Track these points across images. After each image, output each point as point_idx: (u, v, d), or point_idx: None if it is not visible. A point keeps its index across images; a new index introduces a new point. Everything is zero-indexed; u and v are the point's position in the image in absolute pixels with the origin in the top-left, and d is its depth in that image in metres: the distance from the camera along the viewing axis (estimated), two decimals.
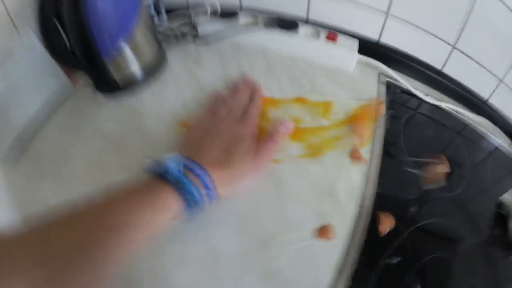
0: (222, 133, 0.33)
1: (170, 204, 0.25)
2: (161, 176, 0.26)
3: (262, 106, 0.38)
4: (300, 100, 0.38)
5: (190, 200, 0.26)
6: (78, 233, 0.22)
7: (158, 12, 0.54)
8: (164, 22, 0.56)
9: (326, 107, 0.37)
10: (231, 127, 0.33)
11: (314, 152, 0.34)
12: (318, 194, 0.32)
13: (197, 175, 0.27)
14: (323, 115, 0.37)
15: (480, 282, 0.31)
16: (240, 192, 0.31)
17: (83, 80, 0.53)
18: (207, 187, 0.27)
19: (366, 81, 0.42)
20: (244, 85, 0.40)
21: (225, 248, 0.29)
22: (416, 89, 0.42)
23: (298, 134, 0.35)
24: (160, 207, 0.25)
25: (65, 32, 0.39)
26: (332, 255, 0.28)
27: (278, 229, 0.29)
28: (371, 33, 0.45)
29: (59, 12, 0.38)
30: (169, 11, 0.56)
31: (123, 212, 0.24)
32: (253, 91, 0.39)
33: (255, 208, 0.31)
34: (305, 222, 0.30)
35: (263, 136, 0.34)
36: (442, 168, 0.36)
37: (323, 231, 0.29)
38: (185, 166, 0.27)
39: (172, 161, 0.27)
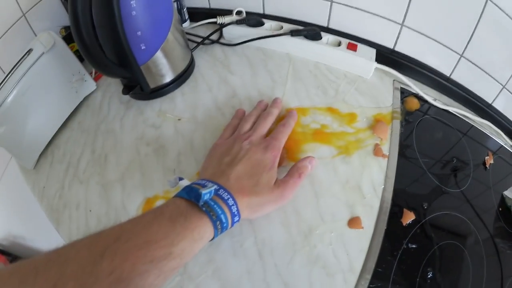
0: (249, 158, 0.34)
1: (205, 232, 0.27)
2: (194, 202, 0.28)
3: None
4: (330, 110, 0.44)
5: (220, 227, 0.28)
6: (121, 265, 0.22)
7: (180, 12, 0.58)
8: (186, 23, 0.60)
9: (351, 117, 0.43)
10: (257, 152, 0.35)
11: (345, 151, 0.40)
12: (346, 190, 0.38)
13: (227, 204, 0.29)
14: (348, 123, 0.43)
15: (486, 267, 0.37)
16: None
17: (110, 82, 0.56)
18: (234, 214, 0.29)
19: (383, 88, 0.47)
20: (274, 107, 0.42)
21: (271, 240, 0.34)
22: (427, 94, 0.48)
23: (326, 137, 0.41)
24: (197, 237, 0.27)
25: (99, 38, 0.41)
26: (362, 242, 0.34)
27: (315, 221, 0.35)
28: (387, 42, 0.50)
29: (93, 17, 0.39)
30: (190, 12, 0.60)
31: (166, 245, 0.25)
32: (287, 116, 0.41)
33: (294, 204, 0.36)
34: (337, 214, 0.36)
35: (292, 148, 0.39)
36: None
37: (354, 222, 0.35)
38: (215, 193, 0.29)
39: (207, 191, 0.28)
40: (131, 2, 0.39)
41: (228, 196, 0.30)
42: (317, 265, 0.33)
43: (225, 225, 0.29)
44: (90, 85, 0.53)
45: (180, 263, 0.26)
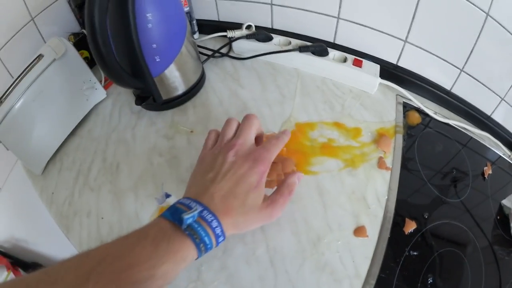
0: (234, 173, 0.33)
1: (188, 255, 0.28)
2: (178, 225, 0.28)
3: (302, 130, 0.46)
4: (337, 124, 0.47)
5: (203, 249, 0.29)
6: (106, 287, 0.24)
7: (190, 24, 0.61)
8: (196, 35, 0.63)
9: (356, 131, 0.47)
10: (243, 166, 0.33)
11: (351, 164, 0.43)
12: (352, 200, 0.41)
13: (211, 226, 0.29)
14: (353, 138, 0.46)
15: (484, 273, 0.39)
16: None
17: (120, 91, 0.57)
18: (218, 235, 0.30)
19: (386, 103, 0.51)
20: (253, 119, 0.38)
21: (282, 248, 0.37)
22: (428, 108, 0.51)
23: (333, 151, 0.44)
24: (180, 259, 0.27)
25: (113, 48, 0.41)
26: (367, 249, 0.37)
27: (324, 230, 0.38)
28: (390, 58, 0.53)
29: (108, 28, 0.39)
30: (199, 24, 0.62)
31: (149, 268, 0.26)
32: (281, 132, 0.39)
33: (304, 214, 0.40)
34: (344, 224, 0.39)
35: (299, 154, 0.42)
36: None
37: (359, 231, 0.38)
38: (199, 215, 0.29)
39: (189, 216, 0.28)
40: (147, 15, 0.41)
41: (212, 217, 0.30)
42: (325, 271, 0.36)
43: (209, 246, 0.29)
44: (100, 93, 0.55)
45: (164, 284, 0.27)
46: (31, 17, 0.56)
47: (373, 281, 0.36)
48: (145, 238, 0.28)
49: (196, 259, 0.30)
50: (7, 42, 0.53)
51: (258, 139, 0.40)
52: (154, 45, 0.44)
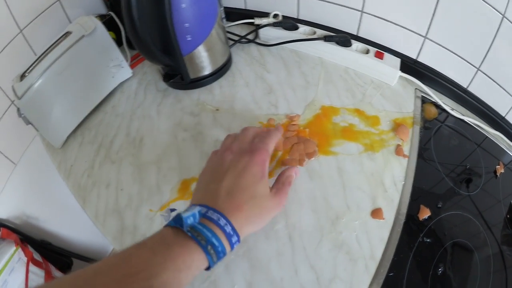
0: (235, 167, 0.30)
1: (193, 260, 0.24)
2: (180, 229, 0.25)
3: (327, 114, 0.44)
4: (357, 111, 0.45)
5: (213, 252, 0.25)
6: None
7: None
8: (223, 21, 0.60)
9: (375, 119, 0.44)
10: (242, 158, 0.31)
11: (370, 148, 0.41)
12: (371, 183, 0.38)
13: (218, 225, 0.25)
14: (372, 125, 0.44)
15: (492, 268, 0.38)
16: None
17: (146, 71, 0.55)
18: (229, 235, 0.26)
19: (405, 95, 0.48)
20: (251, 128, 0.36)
21: (301, 224, 0.35)
22: (445, 104, 0.48)
23: (353, 135, 0.42)
24: (182, 266, 0.23)
25: (147, 23, 0.39)
26: (383, 232, 0.35)
27: (342, 210, 0.36)
28: (411, 53, 0.51)
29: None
30: (226, 11, 0.60)
31: (145, 278, 0.22)
32: (274, 129, 0.37)
33: (324, 193, 0.38)
34: (362, 205, 0.37)
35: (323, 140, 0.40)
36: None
37: (376, 213, 0.36)
38: (203, 216, 0.26)
39: (189, 214, 0.25)
40: None
41: (218, 216, 0.26)
42: (342, 250, 0.34)
43: (220, 248, 0.25)
44: (126, 71, 0.53)
45: None
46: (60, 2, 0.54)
47: (387, 264, 0.34)
48: (144, 247, 0.24)
49: (208, 268, 0.25)
50: (32, 21, 0.52)
51: None
52: (187, 24, 0.43)
